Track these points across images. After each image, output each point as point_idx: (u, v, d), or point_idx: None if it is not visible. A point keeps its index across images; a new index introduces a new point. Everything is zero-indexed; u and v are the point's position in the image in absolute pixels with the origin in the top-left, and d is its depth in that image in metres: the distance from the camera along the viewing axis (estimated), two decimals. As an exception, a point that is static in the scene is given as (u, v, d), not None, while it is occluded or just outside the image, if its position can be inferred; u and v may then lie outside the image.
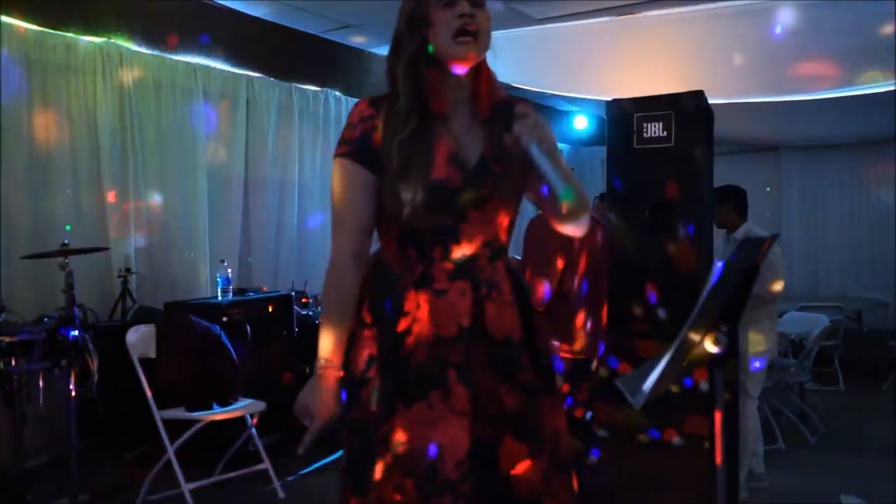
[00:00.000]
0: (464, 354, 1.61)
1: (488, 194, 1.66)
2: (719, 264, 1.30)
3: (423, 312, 1.63)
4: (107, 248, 4.39)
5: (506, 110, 1.72)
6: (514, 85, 5.66)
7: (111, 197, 4.61)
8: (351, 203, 1.68)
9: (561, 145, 9.08)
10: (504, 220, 1.72)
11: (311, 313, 4.98)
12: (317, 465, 4.20)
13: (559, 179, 1.60)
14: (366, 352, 1.66)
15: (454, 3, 1.63)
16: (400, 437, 1.58)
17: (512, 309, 1.70)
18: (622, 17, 5.69)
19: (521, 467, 1.63)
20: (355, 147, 1.67)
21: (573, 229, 1.77)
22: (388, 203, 1.65)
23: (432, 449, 1.57)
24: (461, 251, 1.66)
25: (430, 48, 1.64)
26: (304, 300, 5.08)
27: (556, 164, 1.61)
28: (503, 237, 1.73)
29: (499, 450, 1.63)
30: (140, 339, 3.83)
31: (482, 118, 1.71)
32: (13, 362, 3.41)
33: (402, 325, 1.63)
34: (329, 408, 1.64)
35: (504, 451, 1.63)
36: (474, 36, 1.63)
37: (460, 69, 1.67)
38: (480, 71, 1.70)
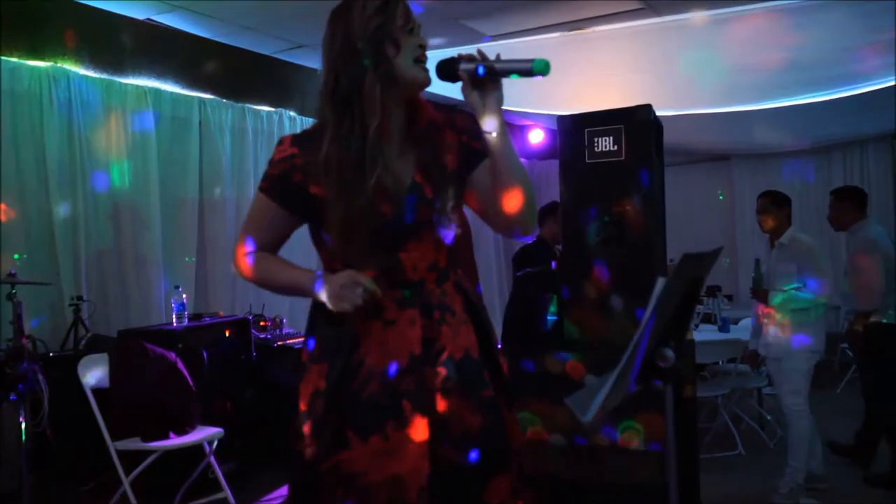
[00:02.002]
0: (416, 382, 1.60)
1: (425, 220, 1.66)
2: (661, 279, 1.31)
3: (374, 344, 1.62)
4: (49, 284, 4.27)
5: (438, 126, 1.73)
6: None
7: (61, 224, 4.50)
8: (259, 231, 1.73)
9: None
10: (446, 241, 1.71)
11: (269, 336, 4.92)
12: (278, 491, 4.14)
13: (523, 61, 1.59)
14: (310, 387, 1.65)
15: (413, 31, 1.66)
16: (357, 469, 1.57)
17: (467, 327, 1.70)
18: (572, 32, 5.75)
19: (494, 485, 1.63)
20: (273, 184, 1.70)
21: (518, 225, 1.72)
22: (328, 241, 1.65)
23: (392, 479, 1.56)
24: (406, 279, 1.65)
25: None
26: (262, 323, 5.01)
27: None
28: (448, 257, 1.72)
29: (468, 470, 1.62)
30: (92, 368, 3.74)
31: (413, 139, 1.70)
32: (-40, 397, 3.31)
33: (355, 358, 1.61)
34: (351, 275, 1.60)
35: (474, 470, 1.62)
36: (424, 66, 1.66)
37: (413, 93, 1.68)
38: (416, 98, 1.72)
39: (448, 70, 1.64)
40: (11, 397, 3.39)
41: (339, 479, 1.58)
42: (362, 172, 1.60)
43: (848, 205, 4.72)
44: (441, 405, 1.62)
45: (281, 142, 1.72)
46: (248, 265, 1.74)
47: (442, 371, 1.63)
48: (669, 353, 1.48)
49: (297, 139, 1.71)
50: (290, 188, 1.67)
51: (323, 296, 1.61)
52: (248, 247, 1.73)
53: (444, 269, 1.71)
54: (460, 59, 1.64)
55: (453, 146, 1.73)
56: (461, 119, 1.74)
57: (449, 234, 1.71)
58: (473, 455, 1.62)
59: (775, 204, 4.40)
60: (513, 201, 1.67)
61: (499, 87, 1.64)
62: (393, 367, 1.61)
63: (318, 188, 1.64)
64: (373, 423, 1.58)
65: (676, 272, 1.32)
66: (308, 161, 1.65)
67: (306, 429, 1.63)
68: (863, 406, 4.71)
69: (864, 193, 4.86)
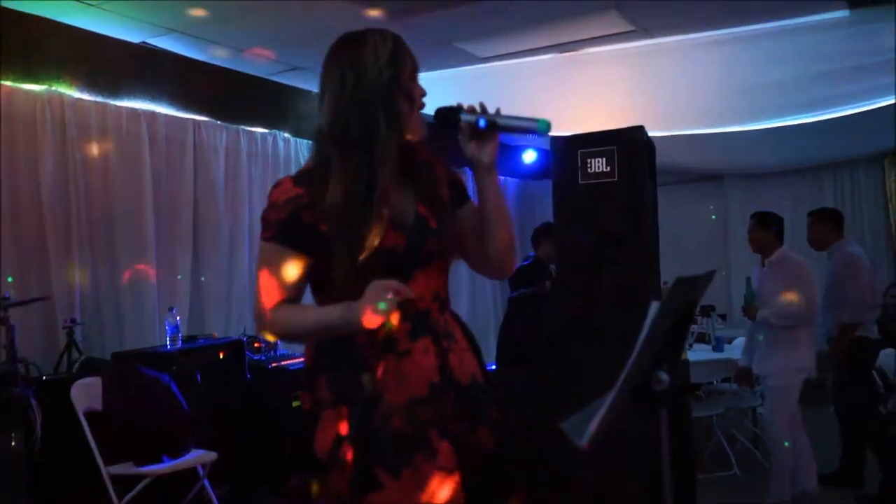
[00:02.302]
0: (438, 411, 1.60)
1: (431, 251, 1.68)
2: (654, 303, 1.31)
3: (392, 377, 1.60)
4: (46, 298, 4.26)
5: (430, 160, 1.77)
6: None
7: (54, 246, 4.49)
8: (276, 284, 1.64)
9: (510, 179, 9.14)
10: (445, 272, 1.75)
11: (263, 358, 4.89)
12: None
13: (526, 119, 1.64)
14: (330, 433, 1.59)
15: (415, 77, 1.70)
16: None
17: (469, 353, 1.74)
18: (565, 53, 5.78)
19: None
20: (282, 229, 1.63)
21: (501, 269, 1.80)
22: (337, 279, 1.61)
23: None
24: (415, 309, 1.64)
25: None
26: (256, 345, 4.99)
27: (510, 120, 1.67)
28: (446, 288, 1.75)
29: (489, 493, 1.64)
30: (85, 391, 3.72)
31: (409, 171, 1.72)
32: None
33: (373, 394, 1.59)
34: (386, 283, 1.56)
35: (494, 492, 1.65)
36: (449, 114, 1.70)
37: (413, 139, 1.71)
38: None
39: (447, 119, 1.69)
40: (3, 421, 3.37)
41: None
42: (369, 213, 1.59)
43: (827, 225, 4.82)
44: (457, 431, 1.62)
45: (280, 183, 1.68)
46: (272, 324, 1.65)
47: (452, 398, 1.64)
48: (664, 375, 1.47)
49: (298, 180, 1.67)
50: (300, 229, 1.62)
51: (359, 316, 1.54)
52: (266, 303, 1.65)
53: (444, 298, 1.74)
54: (460, 109, 1.69)
55: (444, 180, 1.77)
56: (442, 162, 1.80)
57: (448, 264, 1.75)
58: (488, 479, 1.64)
59: (761, 225, 4.50)
60: (500, 247, 1.74)
61: (495, 140, 1.70)
62: (414, 399, 1.59)
63: (328, 226, 1.61)
64: (402, 458, 1.55)
65: (670, 295, 1.32)
66: (314, 200, 1.62)
67: (334, 478, 1.57)
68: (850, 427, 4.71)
69: (841, 214, 4.99)
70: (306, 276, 1.66)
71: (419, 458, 1.56)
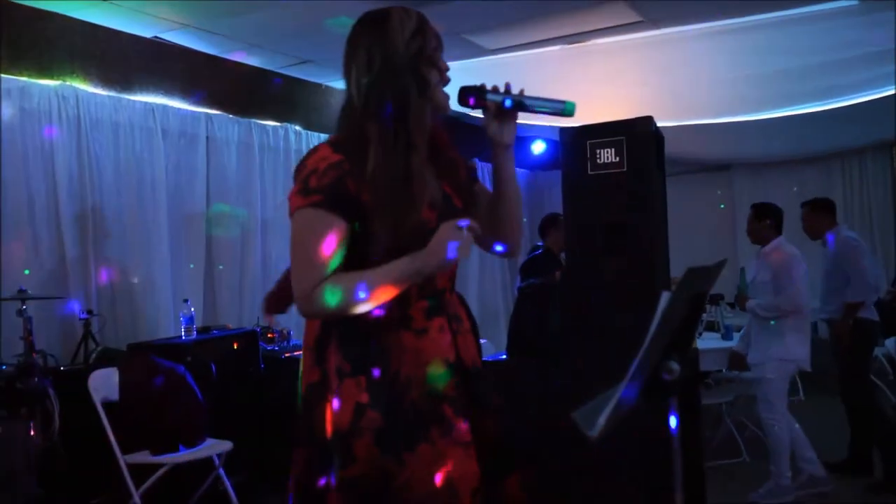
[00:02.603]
0: (455, 387, 1.61)
1: None
2: (665, 293, 1.31)
3: (409, 354, 1.60)
4: (61, 297, 4.29)
5: (448, 149, 1.77)
6: (471, 114, 5.70)
7: (70, 239, 4.51)
8: (320, 251, 1.54)
9: (519, 170, 9.16)
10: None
11: (276, 348, 4.91)
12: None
13: (552, 100, 1.68)
14: (350, 403, 1.56)
15: (440, 53, 1.70)
16: (411, 480, 1.53)
17: (471, 336, 1.75)
18: (572, 45, 5.76)
19: (511, 483, 1.68)
20: (328, 195, 1.55)
21: (511, 246, 1.83)
22: (373, 249, 1.58)
23: (445, 483, 1.55)
24: (433, 288, 1.66)
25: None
26: (269, 335, 5.01)
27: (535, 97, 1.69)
28: (454, 271, 1.76)
29: (491, 472, 1.65)
30: (102, 382, 3.74)
31: (435, 156, 1.73)
32: (-29, 412, 3.31)
33: (392, 368, 1.58)
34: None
35: (496, 473, 1.66)
36: (474, 92, 1.70)
37: (438, 115, 1.71)
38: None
39: (474, 98, 1.70)
40: (22, 411, 3.40)
41: (400, 493, 1.53)
42: (410, 185, 1.58)
43: (824, 214, 4.84)
44: (469, 414, 1.64)
45: (316, 150, 1.62)
46: (320, 299, 1.54)
47: (461, 379, 1.66)
48: (675, 365, 1.47)
49: (338, 146, 1.61)
50: (345, 195, 1.56)
51: (434, 259, 1.52)
52: (315, 277, 1.55)
53: (453, 280, 1.75)
54: (484, 88, 1.70)
55: (463, 164, 1.80)
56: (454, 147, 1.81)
57: None
58: (491, 461, 1.64)
59: (756, 216, 4.54)
60: (512, 225, 1.79)
61: (515, 120, 1.74)
62: (431, 375, 1.61)
63: (369, 195, 1.57)
64: (418, 432, 1.56)
65: (681, 285, 1.32)
66: (355, 168, 1.57)
67: (361, 446, 1.53)
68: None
69: (833, 203, 5.05)
70: (346, 245, 1.58)
71: (435, 431, 1.56)
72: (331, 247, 1.55)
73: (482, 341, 3.91)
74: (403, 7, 1.69)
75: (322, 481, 1.56)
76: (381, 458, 1.52)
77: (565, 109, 1.68)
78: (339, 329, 1.62)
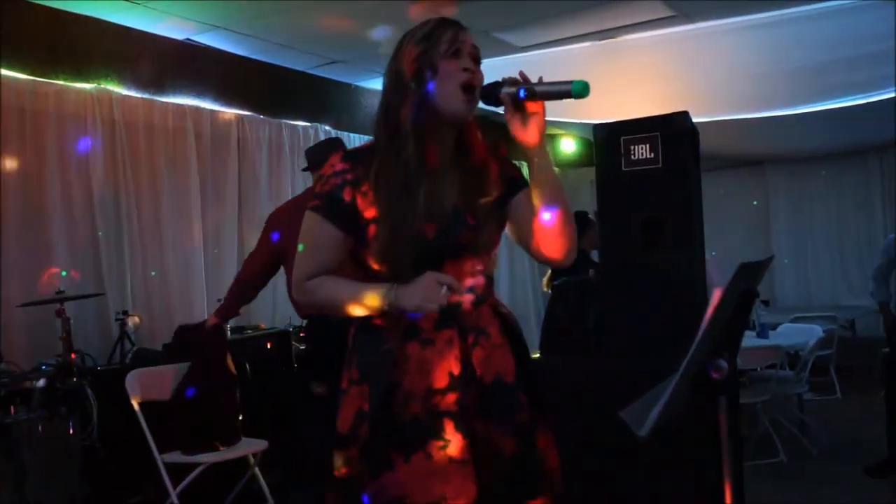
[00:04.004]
0: (457, 402, 1.58)
1: (463, 244, 1.65)
2: (716, 290, 1.28)
3: (413, 364, 1.59)
4: (102, 294, 4.34)
5: (485, 154, 1.72)
6: (500, 112, 5.68)
7: (105, 241, 4.56)
8: (315, 253, 1.67)
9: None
10: (482, 266, 1.70)
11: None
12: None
13: (560, 83, 1.58)
14: (353, 409, 1.62)
15: (459, 54, 1.63)
16: (402, 492, 1.54)
17: (502, 351, 1.68)
18: (603, 41, 5.71)
19: None
20: (324, 202, 1.65)
21: (559, 254, 1.71)
22: (370, 258, 1.64)
23: (436, 499, 1.54)
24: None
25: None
26: (302, 335, 5.01)
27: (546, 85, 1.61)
28: (484, 282, 1.70)
29: (500, 495, 1.60)
30: (139, 382, 3.77)
31: (461, 167, 1.70)
32: (12, 412, 3.35)
33: (394, 377, 1.59)
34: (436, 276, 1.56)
35: (505, 496, 1.61)
36: (473, 92, 1.63)
37: (455, 123, 1.67)
38: (467, 124, 1.70)
39: (490, 94, 1.64)
40: (61, 411, 3.43)
41: (392, 502, 1.55)
42: (408, 194, 1.60)
43: None
44: (478, 428, 1.60)
45: (331, 158, 1.71)
46: (308, 292, 1.68)
47: (473, 394, 1.61)
48: (723, 363, 1.43)
49: (348, 156, 1.70)
50: (340, 204, 1.64)
51: (403, 302, 1.55)
52: (304, 273, 1.68)
53: (481, 293, 1.69)
54: (503, 83, 1.64)
55: (496, 175, 1.73)
56: (502, 148, 1.75)
57: (485, 259, 1.71)
58: (505, 480, 1.60)
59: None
60: (554, 230, 1.67)
61: (540, 111, 1.63)
62: (433, 388, 1.59)
63: (366, 205, 1.63)
64: (415, 443, 1.56)
65: (732, 282, 1.29)
66: (358, 178, 1.64)
67: (353, 452, 1.60)
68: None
69: None
70: (343, 253, 1.68)
71: (432, 445, 1.55)
72: (320, 249, 1.66)
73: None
74: (438, 18, 1.67)
75: (335, 478, 1.62)
76: (364, 468, 1.57)
77: (572, 90, 1.56)
78: (357, 336, 1.68)
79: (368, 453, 1.57)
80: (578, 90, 1.55)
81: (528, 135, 1.63)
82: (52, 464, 3.84)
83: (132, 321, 4.39)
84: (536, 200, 1.67)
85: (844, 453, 4.96)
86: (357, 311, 1.64)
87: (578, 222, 5.51)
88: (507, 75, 1.66)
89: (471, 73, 1.63)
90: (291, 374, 4.66)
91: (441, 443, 1.56)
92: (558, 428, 1.75)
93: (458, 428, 1.56)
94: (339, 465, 1.61)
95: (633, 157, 3.45)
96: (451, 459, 1.55)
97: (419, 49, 1.62)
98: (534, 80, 1.64)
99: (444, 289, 1.53)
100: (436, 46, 1.62)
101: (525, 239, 1.73)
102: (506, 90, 1.61)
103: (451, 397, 1.58)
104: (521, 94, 1.59)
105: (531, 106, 1.61)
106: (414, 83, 1.61)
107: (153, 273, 4.84)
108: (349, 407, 1.62)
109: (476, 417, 1.60)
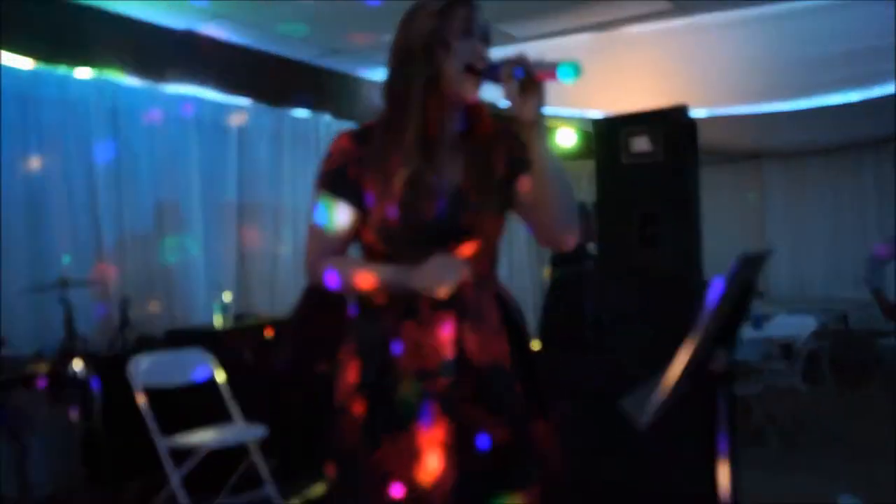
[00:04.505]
0: (447, 387, 1.57)
1: (465, 225, 1.64)
2: (717, 280, 1.29)
3: (407, 344, 1.59)
4: (101, 283, 4.34)
5: (492, 133, 1.71)
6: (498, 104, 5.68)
7: (107, 227, 4.56)
8: (324, 231, 1.69)
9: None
10: (486, 249, 1.69)
11: (309, 336, 4.93)
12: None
13: (546, 63, 1.52)
14: (350, 380, 1.63)
15: (470, 34, 1.62)
16: (386, 468, 1.55)
17: (500, 338, 1.66)
18: (604, 33, 5.70)
19: (513, 500, 1.60)
20: (330, 179, 1.68)
21: (559, 235, 1.68)
22: (371, 236, 1.65)
23: (416, 479, 1.55)
24: None
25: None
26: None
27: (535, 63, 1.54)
28: (487, 265, 1.70)
29: (487, 483, 1.59)
30: (141, 367, 3.79)
31: (466, 147, 1.69)
32: (14, 396, 3.37)
33: (387, 356, 1.60)
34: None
35: (493, 484, 1.60)
36: (480, 73, 1.60)
37: (461, 103, 1.65)
38: (474, 104, 1.68)
39: (492, 73, 1.61)
40: (64, 396, 3.45)
41: (377, 478, 1.57)
42: (408, 171, 1.60)
43: None
44: (464, 414, 1.59)
45: (337, 136, 1.72)
46: (321, 272, 1.68)
47: (466, 380, 1.60)
48: (722, 355, 1.46)
49: (354, 133, 1.70)
50: (344, 181, 1.65)
51: (414, 282, 1.54)
52: (317, 253, 1.70)
53: (484, 276, 1.68)
54: (505, 62, 1.60)
55: (503, 154, 1.71)
56: (514, 126, 1.68)
57: (490, 241, 1.70)
58: (493, 468, 1.59)
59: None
60: (549, 213, 1.64)
61: (539, 92, 1.56)
62: (424, 370, 1.59)
63: (369, 182, 1.63)
64: (401, 423, 1.57)
65: (734, 273, 1.30)
66: (363, 155, 1.65)
67: (348, 424, 1.61)
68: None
69: None
70: (352, 230, 1.69)
71: (416, 427, 1.56)
72: (330, 228, 1.67)
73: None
74: None
75: (333, 448, 1.64)
76: (361, 440, 1.58)
77: (558, 74, 1.48)
78: (356, 309, 1.69)
79: (365, 428, 1.58)
80: (564, 74, 1.49)
81: (524, 112, 1.56)
82: (54, 448, 3.88)
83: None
84: (534, 180, 1.63)
85: (836, 445, 5.01)
86: (368, 291, 1.64)
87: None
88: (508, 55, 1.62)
89: (479, 55, 1.61)
90: (291, 361, 4.67)
91: (426, 425, 1.56)
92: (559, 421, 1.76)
93: (444, 411, 1.56)
94: (334, 435, 1.63)
95: (632, 149, 3.48)
96: (434, 442, 1.55)
97: (431, 24, 1.60)
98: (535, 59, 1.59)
99: (455, 268, 1.53)
100: (449, 23, 1.60)
101: (529, 221, 1.71)
102: (505, 69, 1.57)
103: (442, 381, 1.58)
104: (519, 73, 1.55)
105: (529, 84, 1.55)
106: (423, 59, 1.60)
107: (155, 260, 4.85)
108: (346, 376, 1.64)
109: (468, 404, 1.59)
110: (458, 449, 1.56)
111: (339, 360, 1.68)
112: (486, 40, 1.66)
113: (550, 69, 1.51)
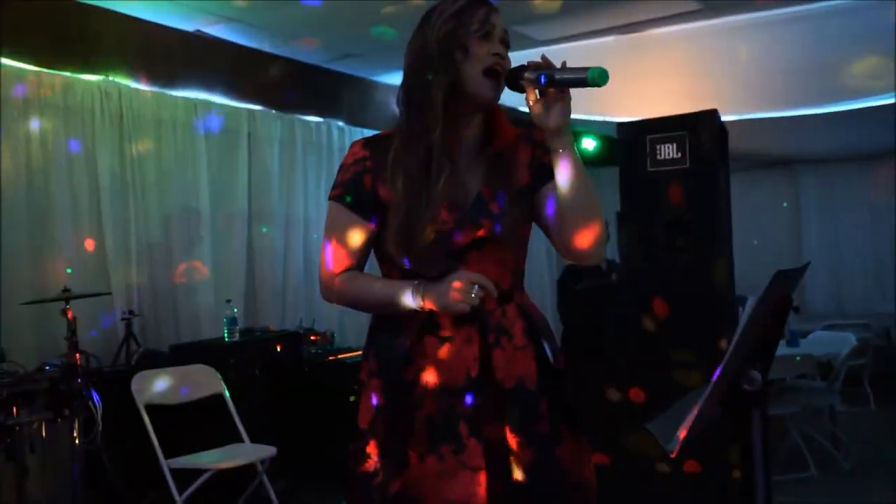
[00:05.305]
0: (473, 405, 1.55)
1: (486, 235, 1.61)
2: (752, 298, 1.26)
3: (430, 361, 1.58)
4: (108, 293, 4.36)
5: (514, 141, 1.69)
6: (518, 108, 5.65)
7: (112, 238, 4.57)
8: (342, 246, 1.67)
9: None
10: (509, 260, 1.67)
11: (320, 351, 4.92)
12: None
13: (577, 70, 1.51)
14: (373, 401, 1.62)
15: (489, 37, 1.61)
16: (416, 492, 1.54)
17: (525, 354, 1.63)
18: (628, 35, 5.67)
19: None
20: (345, 190, 1.66)
21: (585, 251, 1.64)
22: (389, 247, 1.63)
23: None
24: None
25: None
26: (312, 337, 5.03)
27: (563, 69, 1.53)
28: (510, 278, 1.67)
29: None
30: (145, 384, 3.78)
31: (486, 154, 1.68)
32: (14, 413, 3.37)
33: (409, 374, 1.58)
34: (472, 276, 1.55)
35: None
36: (499, 77, 1.59)
37: (482, 108, 1.64)
38: (493, 110, 1.67)
39: (513, 79, 1.59)
40: (65, 413, 3.44)
41: (403, 502, 1.55)
42: (427, 178, 1.57)
43: None
44: (490, 435, 1.57)
45: (352, 146, 1.71)
46: (336, 289, 1.67)
47: (490, 399, 1.58)
48: (756, 375, 1.42)
49: (368, 142, 1.70)
50: (361, 192, 1.65)
51: (431, 301, 1.54)
52: (332, 268, 1.68)
53: (507, 290, 1.65)
54: (526, 67, 1.59)
55: (526, 161, 1.70)
56: (538, 133, 1.65)
57: (513, 252, 1.68)
58: (521, 491, 1.57)
59: None
60: (578, 224, 1.60)
61: (563, 99, 1.55)
62: (449, 387, 1.57)
63: (387, 192, 1.62)
64: (428, 444, 1.56)
65: (768, 290, 1.27)
66: (378, 164, 1.64)
67: (369, 448, 1.61)
68: None
69: None
70: (369, 242, 1.68)
71: (445, 448, 1.54)
72: (346, 241, 1.65)
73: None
74: None
75: (355, 474, 1.63)
76: (384, 464, 1.57)
77: (588, 78, 1.47)
78: (377, 327, 1.69)
79: (387, 449, 1.58)
80: (594, 77, 1.48)
81: (549, 120, 1.55)
82: (55, 467, 3.87)
83: None
84: (559, 191, 1.60)
85: (877, 468, 4.91)
86: (382, 309, 1.65)
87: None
88: (529, 60, 1.59)
89: (499, 58, 1.60)
90: (301, 377, 4.66)
91: (454, 447, 1.54)
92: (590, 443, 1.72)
93: (472, 432, 1.55)
94: (359, 461, 1.61)
95: (658, 156, 3.43)
96: (463, 464, 1.53)
97: (448, 27, 1.59)
98: (557, 65, 1.58)
99: (475, 288, 1.51)
100: (466, 25, 1.59)
101: (551, 231, 1.69)
102: (528, 74, 1.56)
103: (468, 399, 1.56)
104: (542, 79, 1.54)
105: (553, 92, 1.54)
106: (441, 63, 1.58)
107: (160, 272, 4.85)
108: (367, 400, 1.63)
109: (493, 423, 1.58)
110: (488, 471, 1.54)
111: (361, 380, 1.68)
112: (506, 42, 1.64)
113: (578, 75, 1.49)
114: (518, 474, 1.58)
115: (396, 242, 1.60)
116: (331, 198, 1.69)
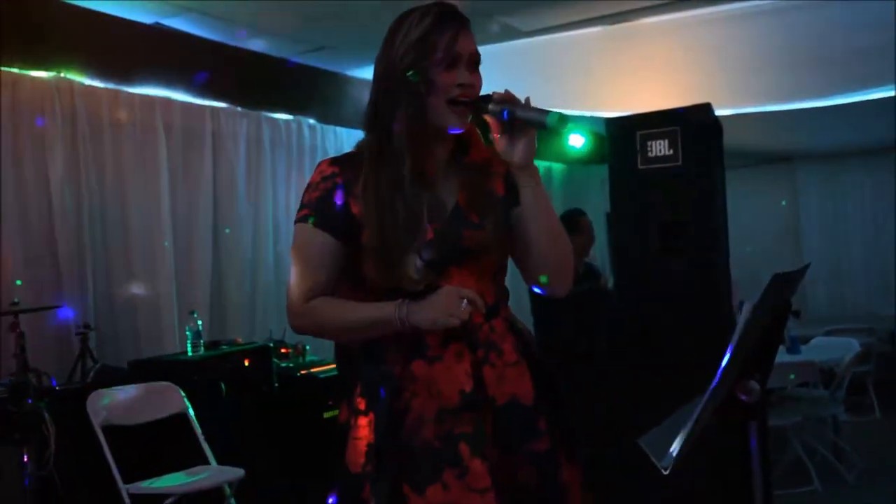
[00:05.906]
0: (473, 422, 1.55)
1: (467, 246, 1.63)
2: (748, 304, 1.26)
3: (421, 385, 1.57)
4: (59, 306, 4.30)
5: (487, 154, 1.72)
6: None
7: (65, 246, 4.51)
8: (311, 269, 1.66)
9: (556, 165, 9.06)
10: (492, 272, 1.69)
11: (291, 365, 4.89)
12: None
13: (539, 111, 1.57)
14: (363, 443, 1.59)
15: (455, 66, 1.63)
16: None
17: (518, 369, 1.65)
18: (616, 25, 5.69)
19: None
20: (314, 209, 1.67)
21: (548, 286, 1.71)
22: (367, 269, 1.63)
23: None
24: None
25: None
26: (283, 350, 4.99)
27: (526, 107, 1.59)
28: (494, 291, 1.69)
29: None
30: (102, 403, 3.74)
31: (460, 165, 1.71)
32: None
33: (400, 403, 1.57)
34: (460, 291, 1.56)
35: None
36: (465, 106, 1.63)
37: (448, 135, 1.68)
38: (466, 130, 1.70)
39: (478, 110, 1.64)
40: (15, 436, 3.40)
41: None
42: (401, 193, 1.60)
43: None
44: (490, 456, 1.57)
45: (319, 164, 1.72)
46: (309, 317, 1.66)
47: (486, 418, 1.59)
48: (755, 385, 1.42)
49: (336, 160, 1.72)
50: (332, 210, 1.65)
51: (417, 318, 1.54)
52: (301, 295, 1.65)
53: (493, 303, 1.67)
54: (491, 98, 1.63)
55: (501, 171, 1.73)
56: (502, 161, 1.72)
57: (495, 264, 1.70)
58: None
59: None
60: (544, 261, 1.67)
61: (528, 134, 1.61)
62: (445, 409, 1.57)
63: (359, 209, 1.63)
64: (429, 473, 1.53)
65: (765, 294, 1.26)
66: (349, 180, 1.65)
67: (365, 495, 1.57)
68: None
69: None
70: (341, 265, 1.67)
71: (448, 474, 1.53)
72: (315, 265, 1.65)
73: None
74: (437, 4, 1.66)
75: None
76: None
77: (547, 122, 1.55)
78: (362, 360, 1.66)
79: (378, 490, 1.54)
80: (553, 122, 1.55)
81: (514, 156, 1.62)
82: (4, 497, 3.81)
83: None
84: (524, 225, 1.66)
85: (884, 480, 4.95)
86: (363, 333, 1.64)
87: (568, 223, 5.57)
88: (495, 91, 1.65)
89: (464, 89, 1.63)
90: (271, 393, 4.62)
91: (458, 470, 1.53)
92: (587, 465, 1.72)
93: (475, 452, 1.54)
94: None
95: (650, 153, 3.46)
96: (470, 488, 1.52)
97: (410, 57, 1.62)
98: (523, 98, 1.64)
99: (464, 302, 1.52)
100: (430, 56, 1.61)
101: (517, 259, 1.74)
102: (492, 107, 1.61)
103: (466, 417, 1.56)
104: (505, 114, 1.59)
105: (517, 127, 1.60)
106: (405, 96, 1.61)
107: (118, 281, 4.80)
108: (359, 442, 1.60)
109: (488, 444, 1.57)
110: (495, 493, 1.54)
111: (349, 418, 1.65)
112: (476, 63, 1.67)
113: (539, 116, 1.55)
114: (514, 496, 1.58)
115: (373, 259, 1.61)
116: (297, 220, 1.69)
